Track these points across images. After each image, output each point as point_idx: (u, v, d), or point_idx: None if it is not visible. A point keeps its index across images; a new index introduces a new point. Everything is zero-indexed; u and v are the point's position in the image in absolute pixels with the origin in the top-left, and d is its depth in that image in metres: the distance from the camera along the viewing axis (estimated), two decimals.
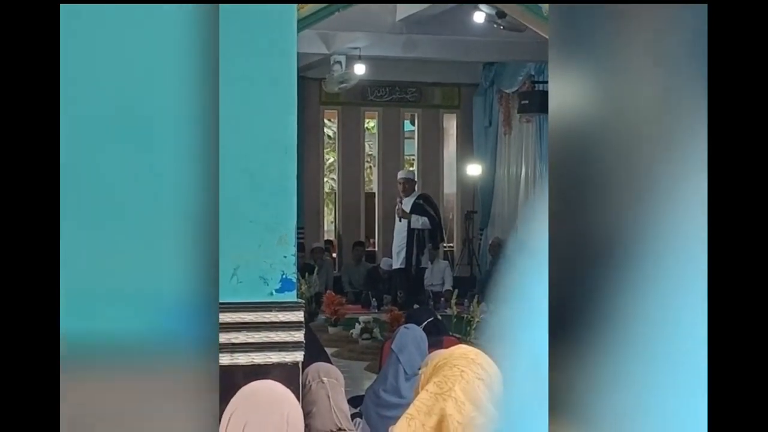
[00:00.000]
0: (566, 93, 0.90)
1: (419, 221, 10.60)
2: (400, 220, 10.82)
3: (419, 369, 3.57)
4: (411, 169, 13.38)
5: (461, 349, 2.30)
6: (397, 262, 10.87)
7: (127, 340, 1.72)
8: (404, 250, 10.74)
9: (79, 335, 1.66)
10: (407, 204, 10.71)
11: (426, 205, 10.61)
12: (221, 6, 1.89)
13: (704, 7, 0.83)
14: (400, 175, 11.19)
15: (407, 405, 3.44)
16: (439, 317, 7.67)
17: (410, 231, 10.61)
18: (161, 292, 1.74)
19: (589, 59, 0.88)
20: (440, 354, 2.31)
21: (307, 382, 3.19)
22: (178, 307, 1.71)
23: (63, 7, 1.60)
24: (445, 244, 11.19)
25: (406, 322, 7.40)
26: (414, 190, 10.91)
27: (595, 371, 0.85)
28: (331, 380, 3.19)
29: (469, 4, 7.79)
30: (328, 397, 3.13)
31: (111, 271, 1.78)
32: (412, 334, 4.17)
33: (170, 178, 1.81)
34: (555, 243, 0.88)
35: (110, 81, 1.93)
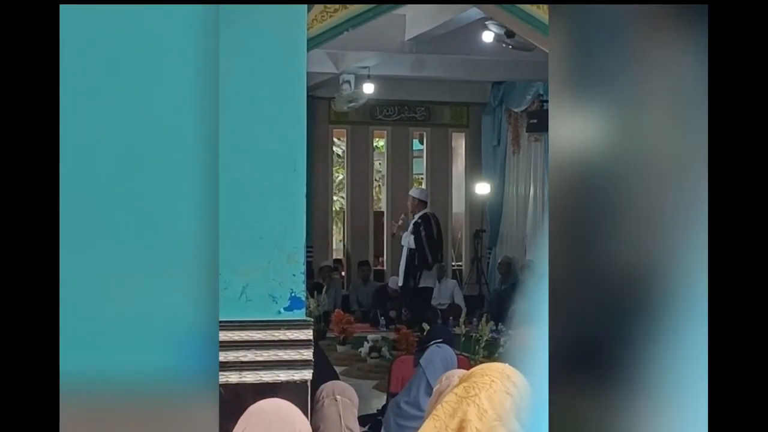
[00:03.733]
0: (567, 124, 0.90)
1: (406, 240, 10.61)
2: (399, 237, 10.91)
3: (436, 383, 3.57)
4: (423, 188, 13.38)
5: (499, 364, 2.30)
6: (401, 280, 10.88)
7: (127, 372, 1.70)
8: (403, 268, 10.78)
9: (79, 369, 1.65)
10: (412, 223, 10.73)
11: (422, 224, 10.53)
12: (228, 23, 1.89)
13: (704, 29, 0.84)
14: (411, 193, 11.15)
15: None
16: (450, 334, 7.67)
17: (409, 249, 10.61)
18: (160, 323, 1.73)
19: (590, 90, 0.88)
20: (478, 366, 2.33)
21: (320, 398, 3.18)
22: (177, 339, 1.70)
23: (63, 8, 1.61)
24: (441, 263, 11.03)
25: (422, 342, 7.40)
26: (423, 209, 10.88)
27: (596, 397, 0.85)
28: (344, 399, 3.18)
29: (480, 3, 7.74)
30: (339, 415, 3.12)
31: (113, 300, 1.77)
32: (441, 353, 4.25)
33: (175, 200, 1.81)
34: (555, 272, 0.88)
35: (112, 98, 1.93)
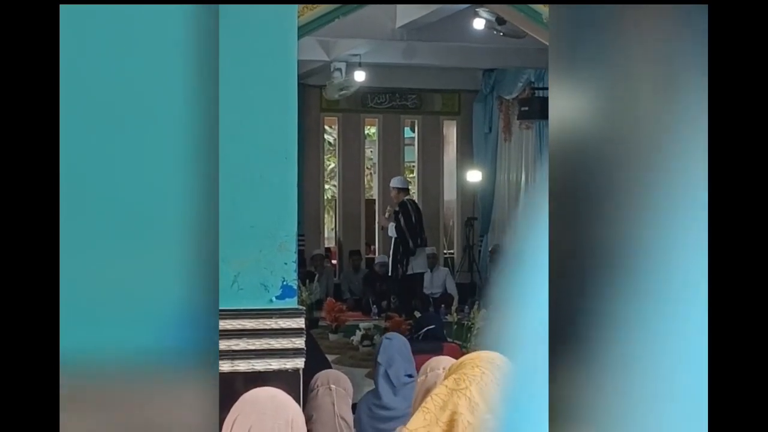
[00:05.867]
0: (566, 105, 0.90)
1: (390, 230, 10.69)
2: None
3: (411, 378, 3.54)
4: (410, 176, 13.37)
5: (489, 353, 2.30)
6: (390, 270, 10.94)
7: (126, 354, 1.71)
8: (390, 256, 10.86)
9: (79, 348, 1.65)
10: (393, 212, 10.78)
11: (400, 211, 10.57)
12: (221, 13, 1.88)
13: (705, 17, 0.83)
14: (391, 183, 11.09)
15: (400, 417, 3.41)
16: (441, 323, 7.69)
17: (393, 239, 10.67)
18: (160, 304, 1.73)
19: (589, 72, 0.88)
20: (467, 355, 2.31)
21: (314, 387, 3.17)
22: (177, 319, 1.70)
23: (63, 7, 1.60)
24: (423, 246, 11.00)
25: (414, 330, 7.39)
26: (405, 197, 10.85)
27: (594, 382, 0.85)
28: (339, 389, 3.17)
29: (473, 4, 7.75)
30: (333, 404, 3.12)
31: (110, 283, 1.77)
32: (396, 345, 4.07)
33: (170, 185, 1.81)
34: (555, 255, 0.88)
35: (107, 86, 1.93)
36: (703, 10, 0.83)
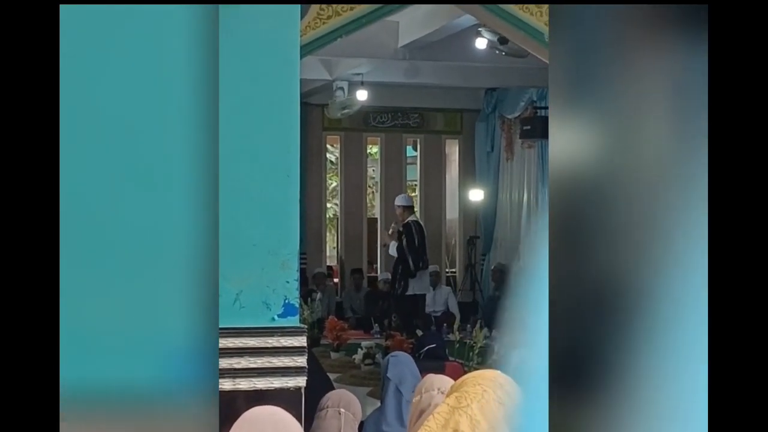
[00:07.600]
0: (566, 134, 0.89)
1: (391, 249, 10.70)
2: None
3: (414, 397, 3.51)
4: (412, 194, 13.37)
5: (491, 372, 2.29)
6: (391, 287, 10.94)
7: (126, 385, 1.69)
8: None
9: (79, 381, 1.64)
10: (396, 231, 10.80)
11: (404, 233, 10.58)
12: (222, 30, 1.89)
13: (705, 42, 0.83)
14: (395, 201, 11.09)
15: None
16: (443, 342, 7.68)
17: (395, 257, 10.70)
18: (160, 333, 1.72)
19: (589, 100, 0.87)
20: (469, 373, 2.30)
21: (324, 407, 3.15)
22: (177, 349, 1.69)
23: (63, 8, 1.60)
24: (425, 269, 10.99)
25: (416, 349, 7.37)
26: (410, 215, 10.87)
27: (595, 416, 0.84)
28: (348, 414, 3.15)
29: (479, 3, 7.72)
30: (340, 430, 3.10)
31: (113, 312, 1.75)
32: (404, 361, 4.05)
33: (171, 204, 1.81)
34: (555, 289, 0.87)
35: (108, 103, 1.93)
36: (704, 37, 0.83)
